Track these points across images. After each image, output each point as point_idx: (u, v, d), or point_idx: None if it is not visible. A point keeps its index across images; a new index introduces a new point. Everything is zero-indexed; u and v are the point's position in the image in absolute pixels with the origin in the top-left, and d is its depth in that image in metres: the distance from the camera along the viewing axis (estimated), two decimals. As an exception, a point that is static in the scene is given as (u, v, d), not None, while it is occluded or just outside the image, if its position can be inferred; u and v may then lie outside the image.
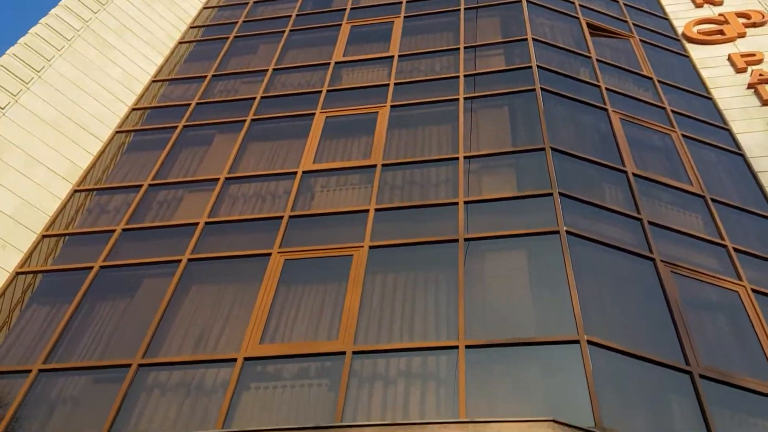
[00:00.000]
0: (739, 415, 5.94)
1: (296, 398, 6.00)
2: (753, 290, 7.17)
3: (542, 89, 9.26)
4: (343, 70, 11.07)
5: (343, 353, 6.12)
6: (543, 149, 8.17)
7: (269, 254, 7.57)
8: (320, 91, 10.47)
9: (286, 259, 7.48)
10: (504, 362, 5.94)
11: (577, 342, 5.80)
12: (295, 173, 8.79)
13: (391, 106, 9.77)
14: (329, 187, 8.67)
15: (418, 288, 6.92)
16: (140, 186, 9.33)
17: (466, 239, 7.20)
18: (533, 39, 10.51)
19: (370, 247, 7.31)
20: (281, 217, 8.09)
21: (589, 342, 5.78)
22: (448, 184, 8.23)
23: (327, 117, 9.90)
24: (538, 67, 9.79)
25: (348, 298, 6.73)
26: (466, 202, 7.74)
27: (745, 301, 7.01)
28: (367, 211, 7.87)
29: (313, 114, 9.97)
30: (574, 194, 7.58)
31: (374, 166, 8.64)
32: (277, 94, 10.79)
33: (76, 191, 9.60)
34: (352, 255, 7.27)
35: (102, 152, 10.31)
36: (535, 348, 5.91)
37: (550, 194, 7.50)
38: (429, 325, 6.46)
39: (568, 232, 6.96)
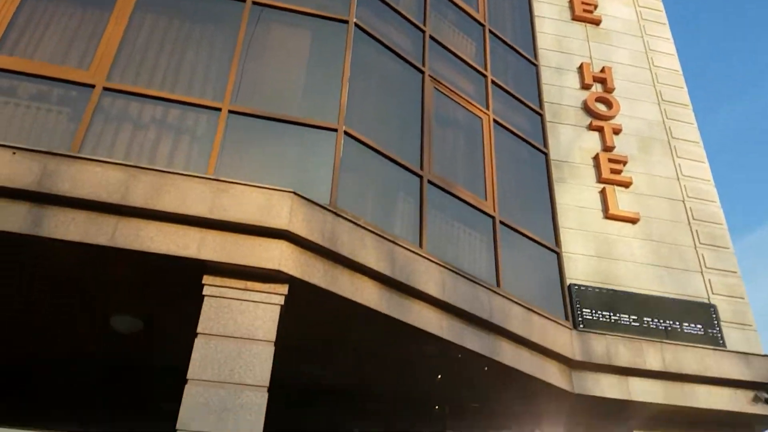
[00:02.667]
0: (448, 218, 7.04)
1: (30, 121, 5.49)
2: (494, 120, 8.16)
3: None
4: None
5: (92, 86, 5.65)
6: (357, -69, 7.73)
7: (17, -47, 6.33)
8: None
9: (38, -35, 6.33)
10: (263, 134, 6.06)
11: (335, 130, 6.13)
12: None
13: None
14: None
15: (192, 40, 6.49)
16: None
17: (254, 2, 6.80)
18: None
19: (146, -21, 6.51)
20: None
21: (346, 133, 6.15)
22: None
23: None
24: None
25: (109, 29, 6.06)
26: (263, -37, 7.16)
27: (485, 128, 7.98)
28: (151, -63, 6.86)
29: None
30: (373, -12, 7.49)
31: None
32: None
33: None
34: (122, -18, 6.42)
35: None
36: (296, 127, 6.11)
37: (351, -19, 7.28)
38: (196, 80, 6.21)
39: (356, 25, 6.96)
